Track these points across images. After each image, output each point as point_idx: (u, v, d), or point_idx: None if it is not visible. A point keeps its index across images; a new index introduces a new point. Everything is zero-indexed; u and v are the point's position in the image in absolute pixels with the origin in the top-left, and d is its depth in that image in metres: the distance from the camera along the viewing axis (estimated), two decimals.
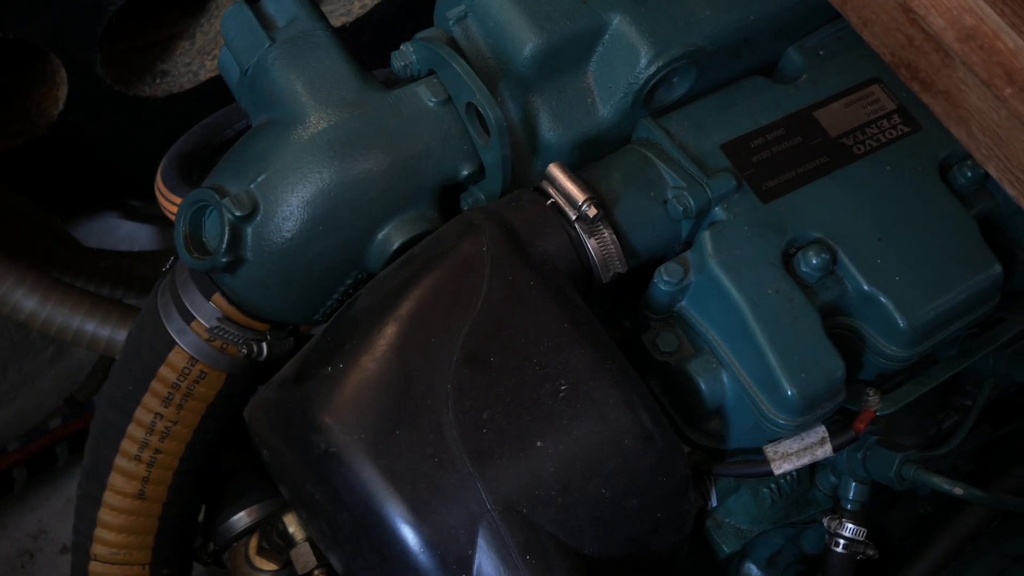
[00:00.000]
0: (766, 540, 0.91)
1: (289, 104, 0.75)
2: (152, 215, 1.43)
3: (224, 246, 0.73)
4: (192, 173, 0.95)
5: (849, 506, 0.82)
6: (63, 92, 1.14)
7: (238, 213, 0.73)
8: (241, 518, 0.97)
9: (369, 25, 1.26)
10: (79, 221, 1.36)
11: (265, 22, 0.78)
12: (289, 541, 0.93)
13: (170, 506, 0.90)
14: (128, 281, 1.24)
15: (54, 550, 1.50)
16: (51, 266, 1.16)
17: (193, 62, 1.22)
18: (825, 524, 0.82)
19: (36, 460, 1.41)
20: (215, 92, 1.22)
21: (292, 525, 0.93)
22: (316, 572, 0.90)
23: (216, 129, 1.00)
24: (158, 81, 1.20)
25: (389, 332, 0.68)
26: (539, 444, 0.64)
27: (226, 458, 0.99)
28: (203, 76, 1.21)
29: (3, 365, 1.40)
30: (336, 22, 1.23)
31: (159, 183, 0.92)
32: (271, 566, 0.95)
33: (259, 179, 0.74)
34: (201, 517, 1.00)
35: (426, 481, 0.63)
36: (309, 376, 0.69)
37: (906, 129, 0.83)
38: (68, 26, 1.08)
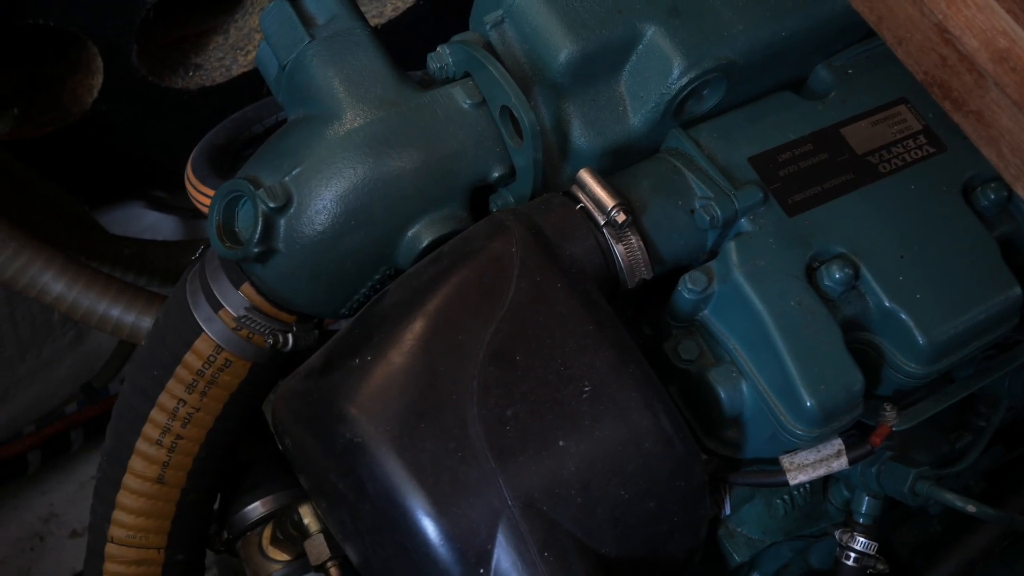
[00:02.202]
0: (775, 552, 0.91)
1: (326, 100, 0.77)
2: (176, 206, 1.44)
3: (256, 237, 0.74)
4: (222, 166, 0.96)
5: (861, 520, 0.82)
6: (98, 81, 1.16)
7: (272, 205, 0.74)
8: (256, 508, 0.98)
9: (400, 27, 1.27)
10: (105, 209, 1.37)
11: (305, 19, 0.79)
12: (303, 532, 0.94)
13: (188, 492, 0.91)
14: (151, 270, 1.25)
15: (64, 533, 1.52)
16: (77, 251, 1.17)
17: (226, 57, 1.23)
18: (837, 537, 0.83)
19: (51, 444, 1.43)
20: (246, 87, 1.23)
21: (307, 516, 0.94)
22: (329, 564, 0.91)
23: (246, 124, 1.02)
24: (191, 74, 1.22)
25: (417, 327, 0.69)
26: (561, 443, 0.65)
27: (243, 448, 1.00)
28: (235, 71, 1.23)
29: (22, 350, 1.42)
30: None
31: (189, 174, 0.94)
32: (284, 556, 0.96)
33: (294, 172, 0.75)
34: (216, 506, 1.01)
35: (449, 475, 0.64)
36: (336, 367, 0.70)
37: (931, 150, 0.84)
38: (107, 16, 1.09)
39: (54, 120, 1.18)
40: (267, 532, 0.97)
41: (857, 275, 0.76)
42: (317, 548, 0.92)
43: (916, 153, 0.84)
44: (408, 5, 1.28)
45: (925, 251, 0.78)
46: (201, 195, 0.92)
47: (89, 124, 1.18)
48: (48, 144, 1.19)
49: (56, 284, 1.05)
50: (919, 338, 0.76)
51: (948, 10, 0.56)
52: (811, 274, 0.76)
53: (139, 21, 1.11)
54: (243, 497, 0.98)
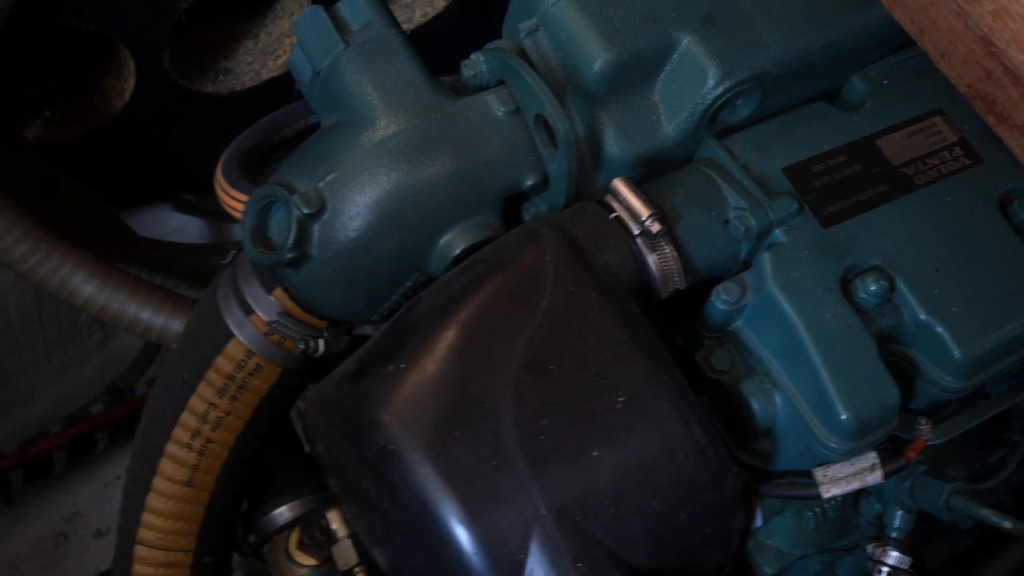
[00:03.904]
0: (804, 565, 0.91)
1: (360, 106, 0.77)
2: (203, 208, 1.45)
3: (290, 242, 0.74)
4: (251, 170, 0.96)
5: (894, 534, 0.82)
6: (130, 84, 1.16)
7: (306, 210, 0.74)
8: (283, 512, 0.98)
9: (429, 34, 1.28)
10: (133, 211, 1.38)
11: (340, 25, 0.79)
12: (331, 537, 0.94)
13: (217, 496, 0.91)
14: (179, 272, 1.26)
15: (88, 533, 1.53)
16: (106, 253, 1.17)
17: (256, 61, 1.24)
18: (869, 551, 0.82)
19: (76, 444, 1.43)
20: (275, 91, 1.24)
21: (335, 522, 0.94)
22: (357, 569, 0.91)
23: (275, 128, 1.02)
24: (221, 78, 1.23)
25: (450, 335, 0.69)
26: (595, 453, 0.65)
27: (270, 453, 1.00)
28: (264, 75, 1.23)
29: (50, 350, 1.43)
30: None
31: (219, 178, 0.94)
32: (311, 561, 0.96)
33: (328, 178, 0.75)
34: (243, 509, 1.01)
35: (482, 483, 0.64)
36: (369, 374, 0.70)
37: (968, 162, 0.83)
38: (141, 20, 1.10)
39: (86, 122, 1.19)
40: (294, 536, 0.97)
41: (892, 287, 0.76)
42: (345, 553, 0.92)
43: (952, 165, 0.83)
44: (437, 11, 1.29)
45: (961, 264, 0.78)
46: (230, 199, 0.92)
47: (120, 127, 1.19)
48: (79, 146, 1.20)
49: (87, 286, 1.06)
50: (955, 352, 0.75)
51: (994, 23, 0.55)
52: (846, 286, 0.76)
53: (172, 25, 1.11)
54: (271, 501, 0.98)
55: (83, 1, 1.06)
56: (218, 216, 1.46)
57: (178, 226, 1.47)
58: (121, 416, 1.45)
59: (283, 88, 1.24)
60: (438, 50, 0.88)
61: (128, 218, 1.35)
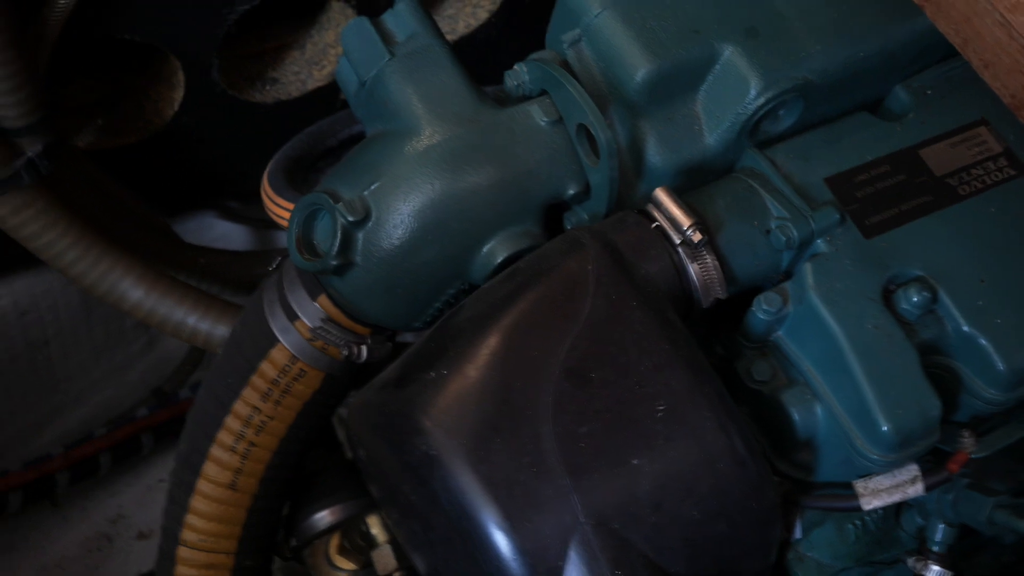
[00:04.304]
0: None
1: (405, 116, 0.78)
2: (248, 216, 1.47)
3: (335, 249, 0.75)
4: (297, 178, 0.98)
5: (936, 548, 0.81)
6: (179, 94, 1.18)
7: (351, 218, 0.75)
8: (324, 517, 0.99)
9: (473, 44, 1.29)
10: (179, 218, 1.40)
11: (385, 36, 0.80)
12: (371, 542, 0.95)
13: (259, 499, 0.92)
14: (225, 279, 1.28)
15: (131, 535, 1.55)
16: (153, 259, 1.20)
17: (301, 71, 1.26)
18: (910, 565, 0.82)
19: (121, 447, 1.45)
20: (321, 101, 1.25)
21: (375, 527, 0.95)
22: (396, 574, 0.92)
23: (320, 137, 1.03)
24: (268, 88, 1.24)
25: (492, 342, 0.69)
26: (635, 462, 0.65)
27: (312, 458, 1.02)
28: (310, 85, 1.25)
29: (97, 354, 1.46)
30: None
31: (266, 186, 0.95)
32: (351, 565, 0.97)
33: (372, 187, 0.76)
34: (284, 513, 1.02)
35: (522, 490, 0.64)
36: (411, 380, 0.71)
37: (1012, 172, 0.83)
38: (191, 32, 1.12)
39: (136, 131, 1.21)
40: (334, 541, 0.98)
41: (935, 299, 0.75)
42: (384, 558, 0.93)
43: (996, 176, 0.83)
44: (480, 22, 1.30)
45: (1006, 275, 0.77)
46: (277, 207, 0.93)
47: (169, 136, 1.21)
48: (129, 154, 1.22)
49: (134, 291, 1.08)
50: (999, 364, 0.74)
51: None
52: (888, 297, 0.76)
53: (221, 36, 1.13)
54: (311, 505, 0.99)
55: (136, 13, 1.08)
56: (263, 224, 1.47)
57: (223, 233, 1.49)
58: (166, 419, 1.46)
59: (329, 98, 1.26)
60: (481, 60, 0.89)
61: (175, 225, 1.37)
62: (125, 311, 1.10)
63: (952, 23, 0.61)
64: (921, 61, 0.86)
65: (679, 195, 0.75)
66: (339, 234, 0.75)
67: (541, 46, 0.84)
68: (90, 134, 1.22)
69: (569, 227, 0.82)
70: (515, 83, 0.80)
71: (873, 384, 0.72)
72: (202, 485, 0.91)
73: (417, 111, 0.77)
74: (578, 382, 0.67)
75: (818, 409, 0.75)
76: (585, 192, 0.79)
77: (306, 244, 0.79)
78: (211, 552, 0.93)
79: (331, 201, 0.76)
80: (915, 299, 0.74)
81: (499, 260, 0.77)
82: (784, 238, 0.75)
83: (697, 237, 0.72)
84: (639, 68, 0.77)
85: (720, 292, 0.75)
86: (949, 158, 0.83)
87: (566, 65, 0.80)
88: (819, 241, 0.77)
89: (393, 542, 0.93)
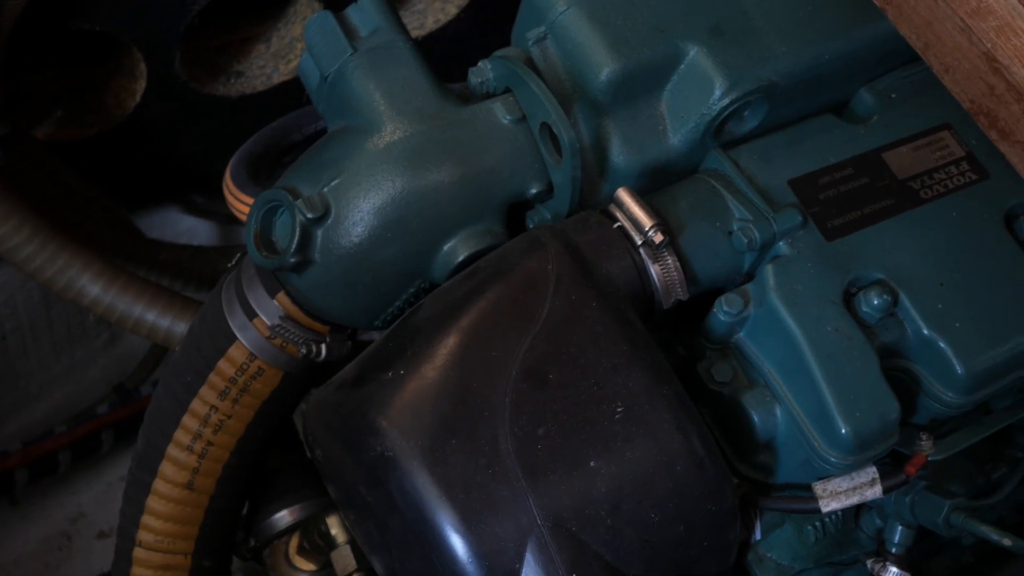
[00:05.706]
0: None
1: (367, 112, 0.77)
2: (213, 211, 1.45)
3: (293, 246, 0.74)
4: (260, 173, 0.97)
5: (894, 549, 0.81)
6: (141, 86, 1.17)
7: (310, 215, 0.74)
8: (283, 516, 0.98)
9: (442, 40, 1.28)
10: (142, 212, 1.39)
11: (348, 31, 0.80)
12: (330, 543, 0.94)
13: (217, 499, 0.91)
14: (187, 274, 1.26)
15: (91, 534, 1.52)
16: (114, 254, 1.18)
17: (267, 65, 1.25)
18: (869, 567, 0.82)
19: (81, 444, 1.43)
20: (286, 95, 1.24)
21: (334, 527, 0.94)
22: (355, 575, 0.91)
23: (285, 132, 1.02)
24: (232, 81, 1.23)
25: (450, 342, 0.69)
26: (592, 464, 0.65)
27: (272, 457, 1.01)
28: (276, 79, 1.24)
29: (57, 350, 1.44)
30: None
31: (228, 181, 0.94)
32: (310, 566, 0.96)
33: (332, 183, 0.75)
34: (243, 512, 1.01)
35: (479, 492, 0.64)
36: (369, 380, 0.70)
37: (974, 177, 0.83)
38: (153, 23, 1.11)
39: (97, 123, 1.19)
40: (294, 541, 0.97)
41: (896, 302, 0.75)
42: (344, 559, 0.92)
43: (958, 180, 0.83)
44: (450, 18, 1.29)
45: (965, 279, 0.77)
46: (239, 202, 0.92)
47: (130, 128, 1.20)
48: (89, 146, 1.20)
49: (93, 286, 1.06)
50: (957, 367, 0.75)
51: (997, 39, 0.55)
52: (849, 300, 0.76)
53: (184, 28, 1.12)
54: (271, 505, 0.98)
55: (96, 3, 1.06)
56: (227, 218, 1.46)
57: (188, 228, 1.47)
58: (127, 417, 1.45)
59: (295, 92, 1.24)
60: (451, 56, 0.88)
61: (137, 219, 1.35)
62: (84, 306, 1.08)
63: (913, 27, 0.61)
64: (886, 64, 0.86)
65: (642, 196, 0.74)
66: (297, 231, 0.74)
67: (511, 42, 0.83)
68: (49, 125, 1.20)
69: (531, 226, 0.81)
70: (479, 80, 0.79)
71: (832, 386, 0.72)
72: (159, 485, 0.89)
73: (379, 107, 0.77)
74: (536, 383, 0.66)
75: (778, 411, 0.75)
76: (548, 191, 0.78)
77: (264, 241, 0.77)
78: (168, 553, 0.92)
79: (290, 197, 0.75)
80: (876, 302, 0.74)
81: (460, 259, 0.76)
82: (746, 240, 0.75)
83: (659, 238, 0.72)
84: (604, 67, 0.76)
85: (681, 293, 0.74)
86: (912, 162, 0.83)
87: (531, 63, 0.80)
88: (781, 243, 0.76)
89: (352, 543, 0.93)
